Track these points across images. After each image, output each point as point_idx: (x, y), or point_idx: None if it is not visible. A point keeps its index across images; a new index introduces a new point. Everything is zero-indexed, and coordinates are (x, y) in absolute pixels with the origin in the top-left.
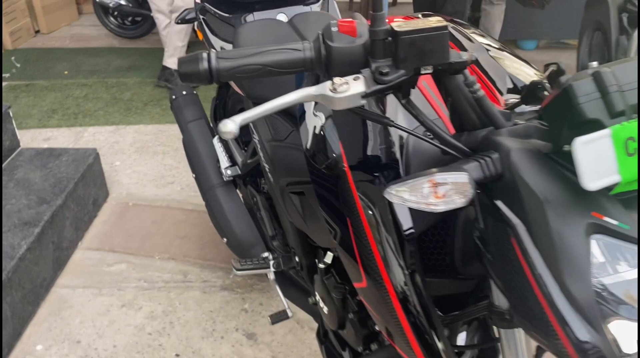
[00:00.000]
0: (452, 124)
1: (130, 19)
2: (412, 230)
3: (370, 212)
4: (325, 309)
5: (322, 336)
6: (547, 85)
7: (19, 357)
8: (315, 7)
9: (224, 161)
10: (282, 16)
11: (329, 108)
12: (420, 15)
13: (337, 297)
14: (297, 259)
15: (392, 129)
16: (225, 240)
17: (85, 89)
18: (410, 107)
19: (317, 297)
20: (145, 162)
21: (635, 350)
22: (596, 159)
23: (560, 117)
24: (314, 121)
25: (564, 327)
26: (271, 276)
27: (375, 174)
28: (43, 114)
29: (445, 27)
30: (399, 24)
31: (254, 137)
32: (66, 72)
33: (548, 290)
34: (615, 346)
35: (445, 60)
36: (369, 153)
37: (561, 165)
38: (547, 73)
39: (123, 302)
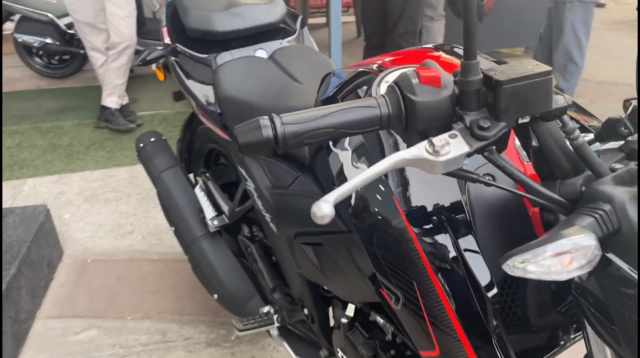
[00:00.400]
0: (536, 171)
1: (57, 57)
2: (494, 290)
3: (443, 274)
4: None
5: None
6: (627, 121)
7: None
8: (292, 40)
9: (209, 211)
10: (261, 52)
11: (429, 173)
12: (440, 53)
13: (367, 354)
14: (305, 312)
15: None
16: (215, 296)
17: (18, 137)
18: (502, 161)
19: (339, 354)
20: (98, 212)
21: None
22: None
23: None
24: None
25: None
26: (275, 332)
27: (441, 229)
28: None
29: (549, 72)
30: (494, 72)
31: (247, 184)
32: None
33: None
34: None
35: (548, 108)
36: (426, 203)
37: None
38: (629, 110)
39: None
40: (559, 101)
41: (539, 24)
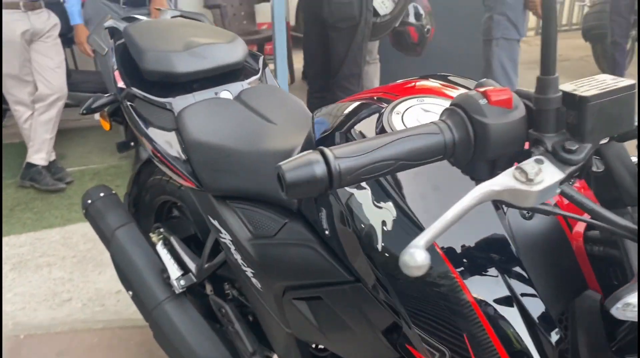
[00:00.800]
0: (597, 198)
1: None
2: (555, 332)
3: (498, 321)
4: None
5: None
6: None
7: None
8: (255, 81)
9: (173, 270)
10: (225, 94)
11: (520, 205)
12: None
13: None
14: None
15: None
16: None
17: None
18: (571, 190)
19: None
20: (28, 280)
21: None
22: None
23: None
24: (380, 215)
25: None
26: None
27: (490, 270)
28: None
29: (633, 86)
30: (573, 88)
31: (220, 236)
32: None
33: None
34: None
35: (632, 126)
36: (468, 242)
37: None
38: None
39: None
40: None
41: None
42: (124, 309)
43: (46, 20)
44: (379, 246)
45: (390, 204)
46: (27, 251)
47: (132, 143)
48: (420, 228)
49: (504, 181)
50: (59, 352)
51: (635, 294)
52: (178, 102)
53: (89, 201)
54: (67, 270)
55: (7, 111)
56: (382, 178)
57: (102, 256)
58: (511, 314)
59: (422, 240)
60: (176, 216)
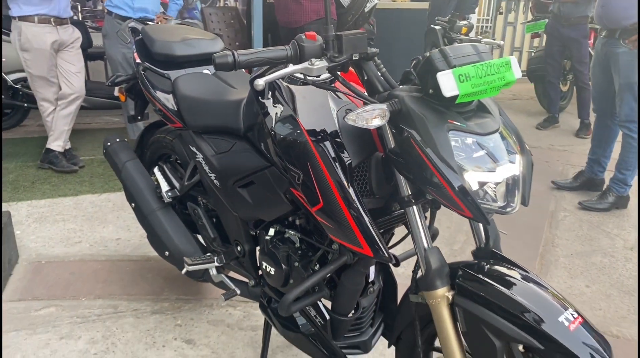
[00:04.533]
0: (367, 91)
1: None
2: (349, 160)
3: (324, 159)
4: (272, 271)
5: (267, 303)
6: (413, 71)
7: None
8: None
9: (164, 186)
10: (206, 71)
11: (309, 74)
12: None
13: (282, 257)
14: (239, 249)
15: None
16: (167, 253)
17: None
18: (344, 80)
19: (263, 265)
20: (47, 229)
21: None
22: (448, 81)
23: (426, 74)
24: (275, 111)
25: (446, 180)
26: (213, 271)
27: (325, 136)
28: None
29: (365, 33)
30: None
31: (196, 157)
32: None
33: (435, 163)
34: (469, 186)
35: (365, 50)
36: (318, 123)
37: (429, 100)
38: (413, 63)
39: (61, 335)
40: (373, 49)
41: None
42: (121, 249)
43: (71, 34)
44: (274, 125)
45: (280, 106)
46: (46, 211)
47: (140, 116)
48: (295, 120)
49: (303, 66)
50: (71, 273)
51: (354, 114)
52: (174, 74)
53: (108, 144)
54: (77, 224)
55: (28, 111)
56: (279, 94)
57: (105, 216)
58: (331, 155)
59: (264, 79)
60: (171, 161)
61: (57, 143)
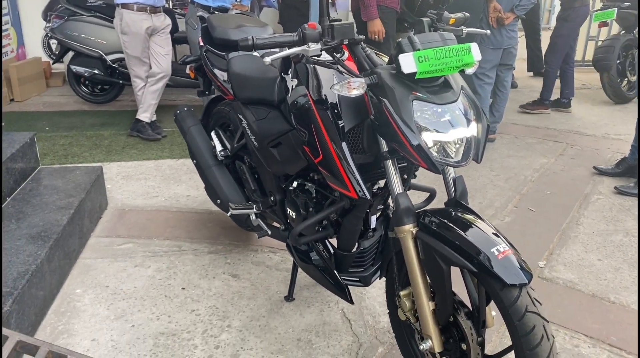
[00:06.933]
0: (357, 69)
1: (99, 87)
2: (343, 124)
3: (325, 119)
4: (293, 215)
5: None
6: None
7: (63, 297)
8: None
9: (219, 147)
10: (256, 53)
11: (307, 54)
12: None
13: (301, 204)
14: (272, 199)
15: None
16: (218, 201)
17: (68, 139)
18: (340, 61)
19: (288, 211)
20: (132, 185)
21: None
22: (408, 62)
23: (397, 56)
24: (292, 84)
25: (406, 138)
26: (252, 216)
27: (327, 105)
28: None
29: (352, 23)
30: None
31: (242, 123)
32: (47, 128)
33: (400, 125)
34: (424, 143)
35: (352, 36)
36: (320, 90)
37: (400, 77)
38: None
39: (135, 264)
40: (359, 35)
41: None
42: (189, 204)
43: (163, 21)
44: (289, 99)
45: (295, 80)
46: (131, 171)
47: (207, 92)
48: (304, 92)
49: (303, 48)
50: (147, 219)
51: (339, 85)
52: (230, 55)
53: (178, 112)
54: (156, 182)
55: (123, 87)
56: (301, 75)
57: (180, 177)
58: (329, 118)
59: (270, 57)
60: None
61: (145, 114)
